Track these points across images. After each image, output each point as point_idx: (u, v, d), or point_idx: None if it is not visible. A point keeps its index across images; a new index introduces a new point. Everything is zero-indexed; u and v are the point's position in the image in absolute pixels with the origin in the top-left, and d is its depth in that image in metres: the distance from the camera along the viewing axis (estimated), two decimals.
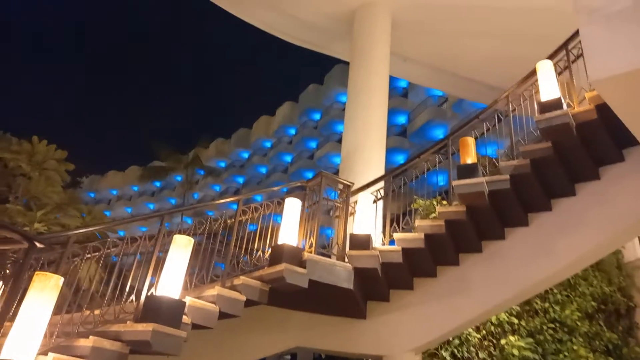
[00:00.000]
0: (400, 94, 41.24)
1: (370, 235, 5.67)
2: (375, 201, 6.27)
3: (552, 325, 8.91)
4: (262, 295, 5.01)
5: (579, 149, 5.51)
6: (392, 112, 39.45)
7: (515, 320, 8.78)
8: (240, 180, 57.00)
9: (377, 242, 5.99)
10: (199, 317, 4.46)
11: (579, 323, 9.07)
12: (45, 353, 3.48)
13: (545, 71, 5.70)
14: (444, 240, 5.76)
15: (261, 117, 59.35)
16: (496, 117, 6.22)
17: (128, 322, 4.08)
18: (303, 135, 51.63)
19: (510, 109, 6.14)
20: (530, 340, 8.48)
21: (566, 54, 5.95)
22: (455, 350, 8.17)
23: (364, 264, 5.41)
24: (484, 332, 8.60)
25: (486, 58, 13.37)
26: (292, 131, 54.58)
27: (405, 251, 5.65)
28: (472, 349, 8.29)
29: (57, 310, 3.89)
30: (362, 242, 5.57)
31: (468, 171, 5.51)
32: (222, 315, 4.71)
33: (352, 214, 6.15)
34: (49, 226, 5.50)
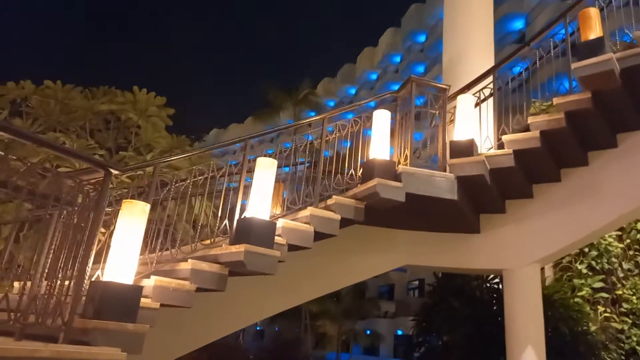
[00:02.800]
0: None
1: (473, 140, 5.04)
2: (477, 104, 5.54)
3: None
4: (357, 213, 4.77)
5: None
6: (506, 19, 35.43)
7: None
8: (350, 116, 56.71)
9: (484, 149, 5.33)
10: (294, 237, 4.39)
11: None
12: (147, 277, 3.67)
13: None
14: (566, 137, 4.92)
15: (364, 49, 57.60)
16: None
17: (223, 245, 4.15)
18: (409, 60, 49.12)
19: None
20: None
21: None
22: (593, 263, 7.30)
23: (467, 171, 4.84)
24: (628, 240, 7.54)
25: None
26: (397, 59, 52.23)
27: (518, 154, 4.93)
28: (613, 260, 7.34)
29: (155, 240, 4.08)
30: (464, 149, 4.98)
31: (591, 48, 4.51)
32: (319, 236, 4.59)
33: (452, 121, 5.52)
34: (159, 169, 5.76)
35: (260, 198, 4.15)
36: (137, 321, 3.21)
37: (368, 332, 28.14)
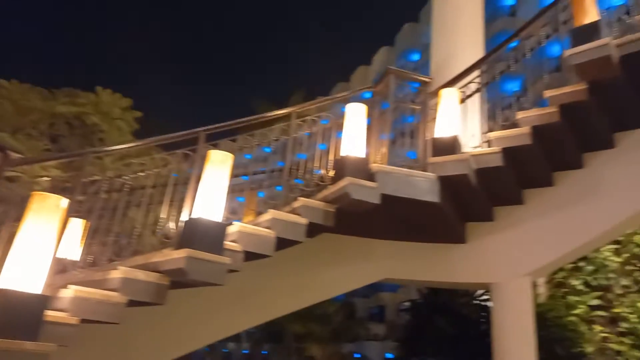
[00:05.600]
0: (507, 14, 36.78)
1: (457, 136, 4.54)
2: (463, 100, 5.05)
3: None
4: (327, 217, 4.22)
5: None
6: (499, 36, 35.50)
7: None
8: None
9: (470, 148, 4.84)
10: (251, 243, 3.82)
11: None
12: (66, 286, 3.09)
13: None
14: (560, 134, 4.43)
15: (358, 67, 57.71)
16: None
17: (165, 250, 3.58)
18: None
19: None
20: None
21: None
22: (589, 278, 6.77)
23: (450, 170, 4.31)
24: (626, 255, 7.02)
25: None
26: None
27: (507, 152, 4.42)
28: (610, 275, 6.80)
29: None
30: (447, 146, 4.47)
31: (586, 33, 4.05)
32: (282, 243, 4.03)
33: (435, 119, 5.02)
34: (121, 173, 5.22)
35: (211, 196, 3.59)
36: (43, 339, 2.63)
37: (357, 355, 27.22)
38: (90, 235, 4.03)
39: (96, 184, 3.76)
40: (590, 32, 4.02)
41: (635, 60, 4.04)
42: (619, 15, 4.51)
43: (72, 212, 3.50)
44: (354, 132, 4.46)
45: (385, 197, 4.12)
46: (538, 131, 4.37)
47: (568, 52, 4.07)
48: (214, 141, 4.43)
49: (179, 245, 3.43)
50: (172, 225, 3.97)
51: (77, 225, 4.30)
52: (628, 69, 4.09)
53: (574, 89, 4.22)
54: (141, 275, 3.31)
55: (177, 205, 4.03)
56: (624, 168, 4.53)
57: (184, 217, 3.73)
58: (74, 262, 3.40)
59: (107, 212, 4.18)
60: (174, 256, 3.32)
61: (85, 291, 3.05)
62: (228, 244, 3.63)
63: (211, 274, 3.31)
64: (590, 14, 4.16)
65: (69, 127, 7.65)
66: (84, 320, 3.05)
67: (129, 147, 4.26)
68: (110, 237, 4.08)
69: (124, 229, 4.47)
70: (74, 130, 7.70)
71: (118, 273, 3.26)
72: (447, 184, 4.38)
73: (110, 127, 7.07)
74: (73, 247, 4.24)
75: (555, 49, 4.99)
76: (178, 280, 3.39)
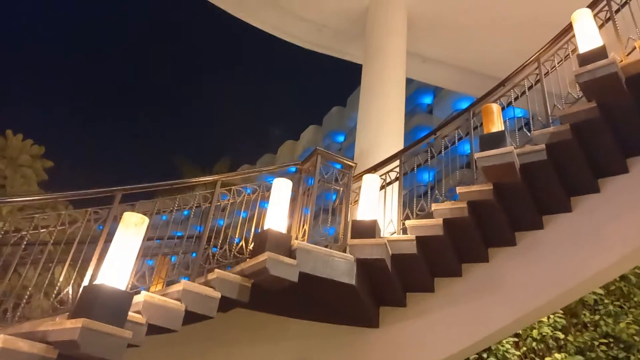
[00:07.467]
0: (425, 111, 40.22)
1: (376, 221, 4.71)
2: (383, 187, 5.32)
3: (605, 341, 7.60)
4: (242, 292, 4.09)
5: (633, 110, 4.47)
6: (417, 130, 38.44)
7: (561, 335, 7.54)
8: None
9: (387, 233, 5.03)
10: (157, 316, 3.58)
11: (636, 338, 7.71)
12: None
13: (584, 20, 4.72)
14: (469, 228, 4.74)
15: (286, 142, 59.20)
16: (525, 82, 5.25)
17: (57, 318, 3.24)
18: None
19: (542, 72, 5.16)
20: (580, 357, 7.22)
21: (607, 2, 4.98)
22: None
23: (368, 254, 4.42)
24: (524, 348, 7.40)
25: (517, 52, 12.30)
26: None
27: (421, 241, 4.64)
28: None
29: None
30: (366, 230, 4.61)
31: (493, 140, 4.52)
32: (192, 317, 3.82)
33: (356, 202, 5.22)
34: (17, 225, 4.76)
35: (118, 261, 3.36)
36: None
37: None
38: None
39: None
40: (496, 140, 4.49)
41: (532, 168, 4.54)
42: (520, 124, 5.10)
43: None
44: (278, 206, 4.49)
45: (304, 276, 4.10)
46: (449, 223, 4.66)
47: (477, 155, 4.49)
48: (131, 202, 4.25)
49: (75, 314, 3.12)
50: (70, 289, 3.63)
51: None
52: (527, 175, 4.57)
53: (481, 188, 4.60)
54: (24, 345, 2.94)
55: (79, 267, 3.72)
56: (524, 266, 4.88)
57: (85, 281, 3.43)
58: None
59: None
60: (67, 326, 3.01)
61: None
62: (131, 314, 3.37)
63: (108, 348, 3.02)
64: (497, 124, 4.67)
65: None
66: None
67: (31, 200, 3.91)
68: None
69: (12, 289, 4.02)
70: None
71: None
72: (364, 266, 4.47)
73: (15, 174, 6.54)
74: None
75: (467, 147, 5.45)
76: (68, 354, 3.04)
